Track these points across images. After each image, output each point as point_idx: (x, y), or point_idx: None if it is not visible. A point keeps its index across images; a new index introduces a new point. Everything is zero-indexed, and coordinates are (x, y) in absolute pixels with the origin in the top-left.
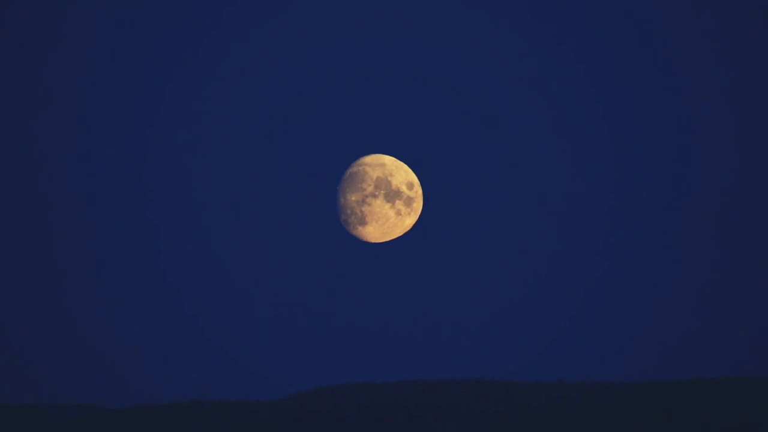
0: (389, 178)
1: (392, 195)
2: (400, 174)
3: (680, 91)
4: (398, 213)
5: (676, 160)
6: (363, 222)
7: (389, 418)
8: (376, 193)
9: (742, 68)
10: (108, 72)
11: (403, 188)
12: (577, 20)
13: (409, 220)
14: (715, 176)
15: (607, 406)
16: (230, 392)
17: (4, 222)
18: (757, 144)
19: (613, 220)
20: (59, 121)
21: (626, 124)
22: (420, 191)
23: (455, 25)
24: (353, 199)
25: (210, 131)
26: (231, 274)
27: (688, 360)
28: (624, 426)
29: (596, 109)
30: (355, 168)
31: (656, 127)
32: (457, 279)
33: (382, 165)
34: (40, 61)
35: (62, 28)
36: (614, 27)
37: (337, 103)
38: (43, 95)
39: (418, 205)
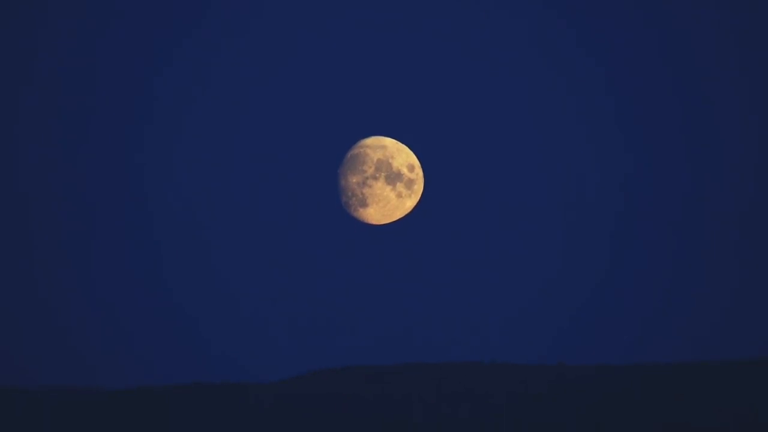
0: (390, 161)
1: (393, 177)
2: (401, 156)
3: (694, 88)
4: (399, 195)
5: (689, 153)
6: (364, 204)
7: (389, 401)
8: (377, 175)
9: (746, 66)
10: (97, 62)
11: (404, 170)
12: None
13: (409, 202)
14: (720, 174)
15: (608, 388)
16: (229, 375)
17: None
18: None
19: (620, 204)
20: (50, 116)
21: (638, 92)
22: (421, 173)
23: (458, 5)
24: (354, 181)
25: (208, 112)
26: (230, 256)
27: (691, 342)
28: (625, 409)
29: (603, 88)
30: (356, 150)
31: (674, 108)
32: (458, 261)
33: (383, 147)
34: (28, 55)
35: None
36: (631, 17)
37: (338, 86)
38: (32, 90)
39: (419, 187)
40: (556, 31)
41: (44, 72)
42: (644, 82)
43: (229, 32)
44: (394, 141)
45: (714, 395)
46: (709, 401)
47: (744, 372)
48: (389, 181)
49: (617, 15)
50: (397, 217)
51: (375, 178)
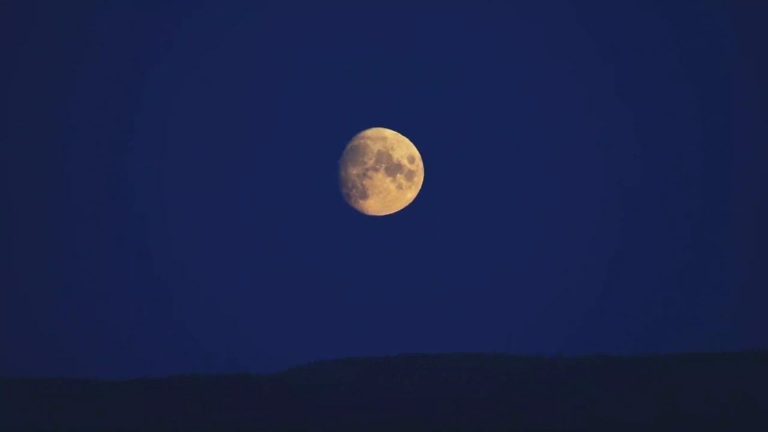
0: (390, 152)
1: (393, 168)
2: (402, 148)
3: (702, 90)
4: (399, 186)
5: (693, 154)
6: (364, 195)
7: (389, 392)
8: (377, 166)
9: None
10: (95, 60)
11: (405, 162)
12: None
13: (410, 194)
14: (720, 172)
15: (607, 379)
16: (229, 366)
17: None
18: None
19: (622, 199)
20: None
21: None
22: (421, 165)
23: None
24: (354, 172)
25: (207, 102)
26: (230, 248)
27: (689, 333)
28: (624, 399)
29: (605, 81)
30: (356, 141)
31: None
32: (458, 252)
33: (384, 138)
34: (13, 49)
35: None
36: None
37: (338, 77)
38: (30, 89)
39: (419, 179)
40: (560, 25)
41: (40, 70)
42: (652, 82)
43: (229, 22)
44: (394, 132)
45: (712, 386)
46: (706, 392)
47: (742, 363)
48: (389, 172)
49: (629, 15)
50: (398, 209)
51: (375, 170)
